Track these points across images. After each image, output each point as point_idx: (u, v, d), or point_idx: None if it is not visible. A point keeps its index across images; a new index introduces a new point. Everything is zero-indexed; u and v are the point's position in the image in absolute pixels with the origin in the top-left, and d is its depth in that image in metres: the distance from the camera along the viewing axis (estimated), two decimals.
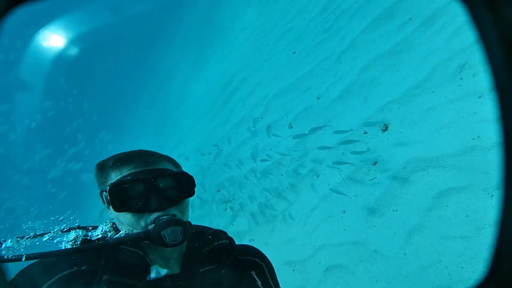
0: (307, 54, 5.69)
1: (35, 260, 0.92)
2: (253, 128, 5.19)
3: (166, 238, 0.88)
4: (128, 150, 1.08)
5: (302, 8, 6.89)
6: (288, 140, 4.54)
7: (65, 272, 0.89)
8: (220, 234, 1.14)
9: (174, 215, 0.95)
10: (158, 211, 0.93)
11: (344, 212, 3.24)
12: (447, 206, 2.48)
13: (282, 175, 4.36)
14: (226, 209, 5.13)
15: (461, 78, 2.92)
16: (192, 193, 1.02)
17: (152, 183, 0.94)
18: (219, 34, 11.58)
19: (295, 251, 3.48)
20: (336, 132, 3.79)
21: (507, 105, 0.46)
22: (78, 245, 1.01)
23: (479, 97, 2.68)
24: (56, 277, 0.88)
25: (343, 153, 3.67)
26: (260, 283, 1.08)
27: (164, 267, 0.97)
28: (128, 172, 0.97)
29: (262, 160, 4.62)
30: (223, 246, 1.10)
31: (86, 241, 1.04)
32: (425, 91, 3.21)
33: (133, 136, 13.75)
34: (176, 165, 1.09)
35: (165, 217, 0.92)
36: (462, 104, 2.78)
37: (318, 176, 3.84)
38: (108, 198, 0.93)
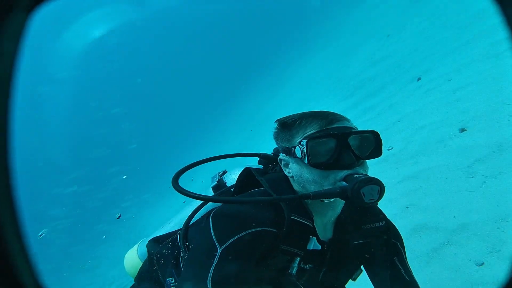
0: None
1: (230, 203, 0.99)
2: None
3: (364, 196, 0.86)
4: None
5: None
6: None
7: (254, 230, 0.91)
8: (378, 214, 1.15)
9: (365, 174, 0.93)
10: (349, 168, 0.93)
11: None
12: None
13: None
14: None
15: None
16: (380, 152, 0.99)
17: (345, 140, 0.94)
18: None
19: None
20: None
21: None
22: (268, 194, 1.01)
23: None
24: (246, 232, 0.90)
25: None
26: (403, 270, 1.11)
27: (320, 231, 1.02)
28: (318, 129, 0.97)
29: None
30: (381, 228, 1.11)
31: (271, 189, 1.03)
32: None
33: None
34: (353, 124, 1.05)
35: (359, 175, 0.90)
36: None
37: None
38: (305, 151, 0.94)
